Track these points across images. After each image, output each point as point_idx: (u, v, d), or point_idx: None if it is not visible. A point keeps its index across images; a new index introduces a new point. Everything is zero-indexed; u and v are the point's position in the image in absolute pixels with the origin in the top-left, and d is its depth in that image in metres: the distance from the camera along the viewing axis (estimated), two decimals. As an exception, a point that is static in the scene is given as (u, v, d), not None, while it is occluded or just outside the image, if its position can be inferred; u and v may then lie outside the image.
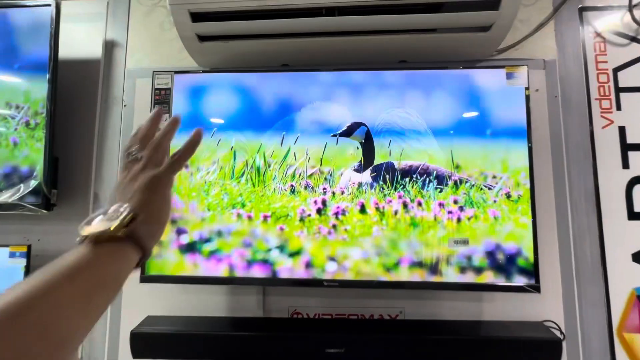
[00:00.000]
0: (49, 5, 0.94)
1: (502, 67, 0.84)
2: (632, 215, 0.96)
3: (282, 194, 0.83)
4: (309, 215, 0.82)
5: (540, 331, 0.84)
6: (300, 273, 0.81)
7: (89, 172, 1.01)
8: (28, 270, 0.89)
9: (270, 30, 0.86)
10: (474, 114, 0.84)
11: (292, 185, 0.83)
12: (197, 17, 0.83)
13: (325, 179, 0.83)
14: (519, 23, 1.00)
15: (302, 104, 0.86)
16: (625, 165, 0.98)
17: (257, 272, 0.81)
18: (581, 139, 0.97)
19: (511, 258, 0.79)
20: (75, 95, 1.03)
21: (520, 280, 0.78)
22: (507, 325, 0.87)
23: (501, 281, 0.79)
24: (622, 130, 0.99)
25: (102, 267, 0.31)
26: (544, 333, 0.83)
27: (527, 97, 0.83)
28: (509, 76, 0.83)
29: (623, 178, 0.98)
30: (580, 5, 1.03)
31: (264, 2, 0.80)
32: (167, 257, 0.84)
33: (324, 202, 0.82)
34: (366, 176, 0.83)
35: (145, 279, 0.83)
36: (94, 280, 0.30)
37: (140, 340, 0.83)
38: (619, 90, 1.01)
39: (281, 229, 0.82)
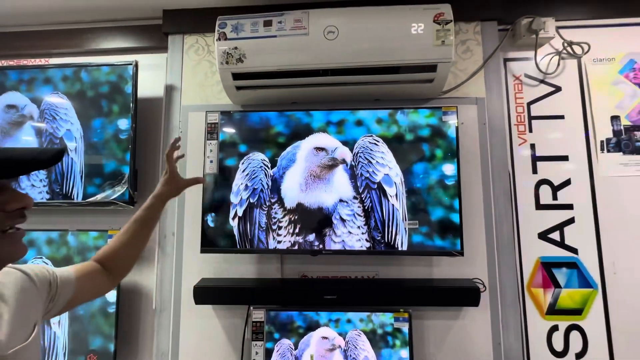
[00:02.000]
0: (131, 64, 1.36)
1: (440, 107, 1.26)
2: (539, 206, 1.38)
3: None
4: (313, 207, 1.24)
5: (469, 284, 1.25)
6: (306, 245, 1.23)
7: (155, 180, 1.43)
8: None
9: (285, 83, 1.28)
10: (420, 136, 1.25)
11: (301, 188, 1.25)
12: (236, 76, 1.25)
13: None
14: (459, 72, 1.42)
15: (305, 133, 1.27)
16: (535, 171, 1.40)
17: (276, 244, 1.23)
18: (503, 153, 1.38)
19: (447, 234, 1.20)
20: (148, 125, 1.45)
21: (451, 248, 1.20)
22: (448, 280, 1.29)
23: (439, 248, 1.20)
24: (532, 146, 1.41)
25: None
26: (471, 284, 1.24)
27: (457, 128, 1.24)
28: (445, 114, 1.25)
29: (533, 180, 1.40)
30: (504, 57, 1.45)
31: (281, 66, 1.22)
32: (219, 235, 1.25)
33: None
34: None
35: (205, 250, 1.25)
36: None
37: (200, 291, 1.25)
38: (531, 118, 1.43)
39: (294, 217, 1.24)
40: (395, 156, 1.24)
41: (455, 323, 1.30)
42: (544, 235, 1.37)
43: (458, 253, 1.19)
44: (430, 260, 1.33)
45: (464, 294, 1.22)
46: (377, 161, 1.23)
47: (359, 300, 1.23)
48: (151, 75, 1.49)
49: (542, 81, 1.44)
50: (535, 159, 1.41)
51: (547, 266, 1.35)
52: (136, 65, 1.37)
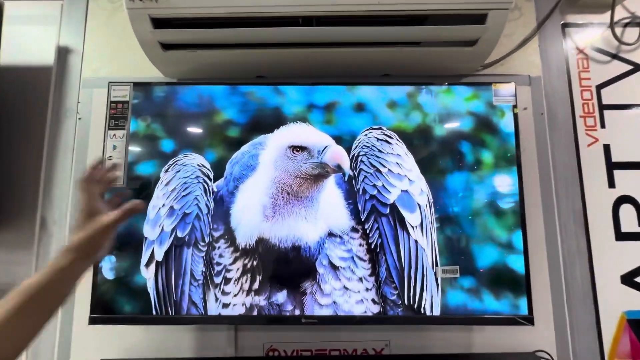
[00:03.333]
0: (-14, 5, 0.83)
1: (489, 83, 0.79)
2: (620, 235, 0.94)
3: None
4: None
5: (533, 363, 0.79)
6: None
7: (35, 194, 0.89)
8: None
9: (242, 40, 0.78)
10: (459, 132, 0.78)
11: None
12: (159, 23, 0.75)
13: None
14: (503, 37, 0.96)
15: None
16: (612, 184, 0.96)
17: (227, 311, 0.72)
18: (568, 158, 0.94)
19: (504, 289, 0.73)
20: (22, 106, 0.91)
21: (512, 311, 0.73)
22: (498, 357, 0.82)
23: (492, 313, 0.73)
24: (607, 148, 0.97)
25: None
26: (535, 365, 0.78)
27: (516, 116, 0.78)
28: (496, 93, 0.79)
29: (609, 198, 0.96)
30: (562, 22, 1.02)
31: (235, 10, 0.72)
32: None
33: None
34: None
35: (95, 320, 0.72)
36: None
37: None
38: (602, 107, 0.99)
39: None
40: (418, 162, 0.76)
41: None
42: (629, 279, 0.93)
43: (525, 320, 0.73)
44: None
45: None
46: (389, 169, 0.75)
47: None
48: (35, 31, 0.95)
49: (615, 56, 1.01)
50: (611, 166, 0.97)
51: (637, 325, 0.91)
52: (0, 9, 0.83)
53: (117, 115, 0.78)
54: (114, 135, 0.77)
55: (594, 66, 1.01)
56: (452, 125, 0.78)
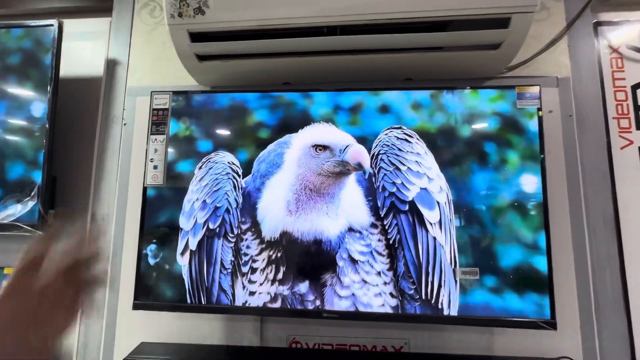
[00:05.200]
0: (52, 25, 0.95)
1: (513, 86, 0.80)
2: (656, 241, 0.89)
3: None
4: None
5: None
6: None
7: (87, 192, 1.00)
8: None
9: (270, 50, 0.84)
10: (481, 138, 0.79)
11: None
12: (196, 37, 0.82)
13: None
14: (531, 39, 0.95)
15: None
16: (648, 189, 0.92)
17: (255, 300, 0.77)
18: (598, 161, 0.91)
19: (527, 290, 0.73)
20: (75, 113, 1.02)
21: (534, 315, 0.72)
22: (520, 361, 0.81)
23: (513, 315, 0.73)
24: (643, 151, 0.94)
25: None
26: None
27: (540, 119, 0.78)
28: (520, 96, 0.79)
29: (646, 203, 0.91)
30: (595, 20, 0.99)
31: (264, 22, 0.79)
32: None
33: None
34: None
35: (138, 306, 0.80)
36: None
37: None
38: (638, 108, 0.96)
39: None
40: (439, 161, 0.78)
41: None
42: (667, 289, 0.88)
43: (548, 325, 0.72)
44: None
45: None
46: (409, 167, 0.77)
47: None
48: (87, 46, 1.07)
49: (653, 55, 0.97)
50: (647, 170, 0.93)
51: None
52: (60, 28, 0.95)
53: (158, 121, 0.87)
54: (156, 139, 0.86)
55: (629, 65, 0.98)
56: (476, 125, 0.79)
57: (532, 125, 0.78)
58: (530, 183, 0.76)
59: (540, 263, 0.74)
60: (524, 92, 0.79)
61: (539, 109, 0.78)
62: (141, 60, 1.05)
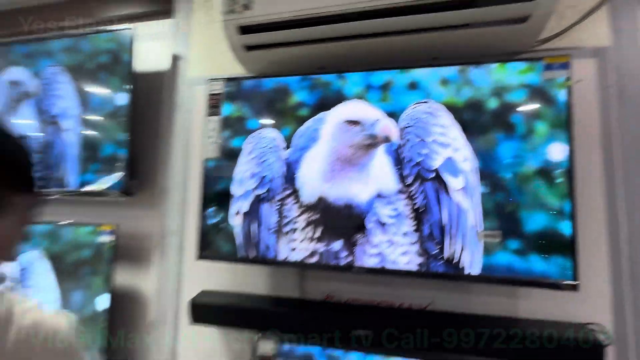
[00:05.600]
0: (130, 29, 1.15)
1: (541, 58, 0.82)
2: None
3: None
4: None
5: (582, 333, 0.80)
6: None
7: (159, 165, 1.20)
8: (115, 246, 1.09)
9: (307, 37, 0.94)
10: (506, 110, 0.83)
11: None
12: (244, 30, 0.95)
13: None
14: (567, 9, 0.95)
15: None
16: (697, 159, 0.88)
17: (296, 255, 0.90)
18: (638, 131, 0.89)
19: (550, 252, 0.77)
20: (148, 101, 1.23)
21: (557, 277, 0.76)
22: (544, 325, 0.84)
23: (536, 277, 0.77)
24: (692, 120, 0.89)
25: None
26: (586, 336, 0.79)
27: (569, 89, 0.79)
28: (548, 67, 0.81)
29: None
30: (641, -14, 0.95)
31: (301, 13, 0.89)
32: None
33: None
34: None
35: (201, 256, 0.97)
36: None
37: (198, 308, 0.98)
38: (688, 76, 0.91)
39: (315, 217, 0.90)
40: (465, 131, 0.83)
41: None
42: None
43: (568, 286, 0.75)
44: (515, 289, 0.90)
45: (571, 350, 0.77)
46: (434, 139, 0.84)
47: (404, 342, 0.84)
48: (157, 45, 1.26)
49: None
50: (697, 140, 0.89)
51: None
52: (133, 32, 1.15)
53: (213, 105, 1.02)
54: (212, 120, 1.01)
55: (678, 32, 0.93)
56: (504, 97, 0.83)
57: (561, 95, 0.80)
58: (557, 151, 0.79)
59: (565, 228, 0.77)
60: (553, 62, 0.81)
61: (568, 79, 0.80)
62: (198, 55, 1.22)
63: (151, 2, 1.28)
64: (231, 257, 0.95)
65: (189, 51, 1.23)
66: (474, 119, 0.84)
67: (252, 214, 0.93)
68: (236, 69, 1.13)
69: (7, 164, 0.51)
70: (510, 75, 0.83)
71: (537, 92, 0.82)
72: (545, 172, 0.79)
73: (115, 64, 1.16)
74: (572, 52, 0.92)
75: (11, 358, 0.46)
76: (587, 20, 0.94)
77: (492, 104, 0.83)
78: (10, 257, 0.55)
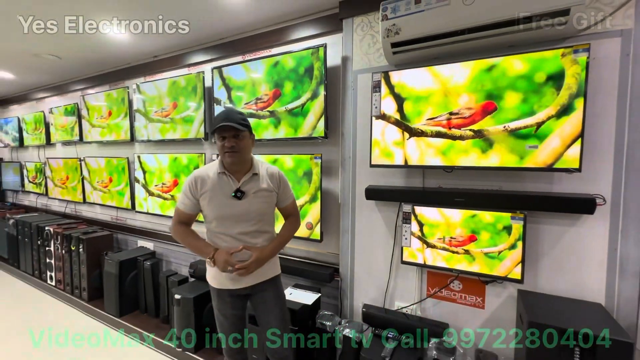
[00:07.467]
0: (323, 45, 2.10)
1: (571, 46, 1.45)
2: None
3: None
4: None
5: (586, 196, 1.51)
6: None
7: (336, 122, 2.21)
8: (321, 164, 2.18)
9: (430, 45, 1.73)
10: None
11: (440, 122, 1.75)
12: (394, 45, 1.79)
13: (458, 118, 1.70)
14: (603, 6, 1.50)
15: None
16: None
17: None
18: (646, 82, 1.46)
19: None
20: (335, 84, 2.21)
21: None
22: (566, 194, 1.57)
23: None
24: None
25: None
26: (587, 196, 1.50)
27: (587, 64, 1.43)
28: (575, 52, 1.44)
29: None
30: (667, -20, 1.42)
31: (427, 34, 1.68)
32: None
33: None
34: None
35: (373, 165, 1.95)
36: None
37: (369, 192, 1.98)
38: (694, 41, 1.40)
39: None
40: (521, 93, 1.55)
41: (570, 229, 1.60)
42: (688, 160, 1.42)
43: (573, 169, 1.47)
44: (552, 177, 1.62)
45: (579, 202, 1.50)
46: (504, 98, 1.58)
47: (482, 203, 1.69)
48: (332, 51, 2.20)
49: None
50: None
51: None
52: (325, 47, 2.10)
53: (375, 87, 1.92)
54: (375, 95, 1.91)
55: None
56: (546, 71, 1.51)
57: (582, 65, 1.44)
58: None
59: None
60: (579, 48, 1.44)
61: (587, 57, 1.43)
62: (358, 55, 2.11)
63: (325, 24, 2.19)
64: (392, 165, 1.91)
65: (352, 53, 2.13)
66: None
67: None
68: (380, 63, 1.99)
69: None
70: (555, 57, 1.49)
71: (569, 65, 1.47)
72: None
73: (310, 70, 2.15)
74: (603, 35, 1.50)
75: None
76: (618, 13, 1.48)
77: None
78: None
